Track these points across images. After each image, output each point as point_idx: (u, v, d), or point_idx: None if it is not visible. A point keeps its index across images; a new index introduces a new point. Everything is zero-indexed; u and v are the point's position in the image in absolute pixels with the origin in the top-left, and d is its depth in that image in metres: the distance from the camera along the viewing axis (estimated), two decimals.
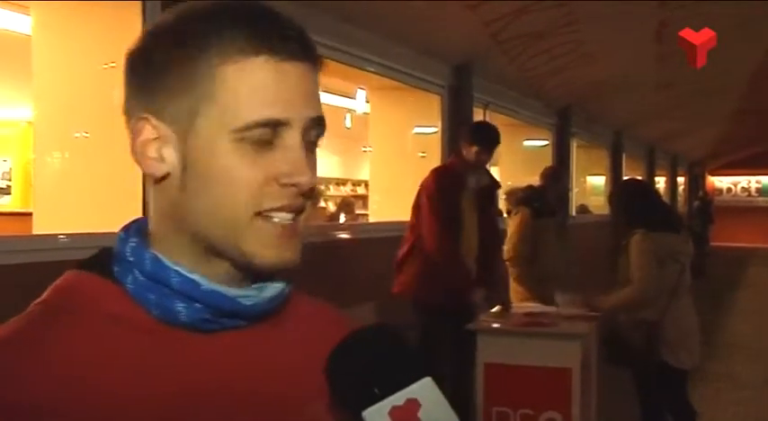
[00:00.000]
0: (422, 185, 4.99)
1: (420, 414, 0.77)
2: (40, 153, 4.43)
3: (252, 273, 0.91)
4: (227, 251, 0.88)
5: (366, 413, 0.77)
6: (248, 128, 0.85)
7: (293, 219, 0.88)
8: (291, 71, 0.87)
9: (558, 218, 6.57)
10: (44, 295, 0.89)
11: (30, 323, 0.85)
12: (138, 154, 0.88)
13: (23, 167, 8.05)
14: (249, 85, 0.86)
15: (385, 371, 0.78)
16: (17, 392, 0.79)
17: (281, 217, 0.87)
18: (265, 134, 0.86)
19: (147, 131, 0.87)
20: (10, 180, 8.31)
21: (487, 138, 5.00)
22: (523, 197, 6.34)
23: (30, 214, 4.62)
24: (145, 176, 0.92)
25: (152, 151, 0.88)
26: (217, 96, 0.86)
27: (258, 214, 0.86)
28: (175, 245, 0.90)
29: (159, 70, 0.87)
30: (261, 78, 0.86)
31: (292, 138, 0.87)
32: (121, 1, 4.02)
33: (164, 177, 0.88)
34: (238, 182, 0.85)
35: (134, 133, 0.88)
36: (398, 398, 0.77)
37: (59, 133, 4.25)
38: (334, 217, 9.51)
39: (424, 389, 0.78)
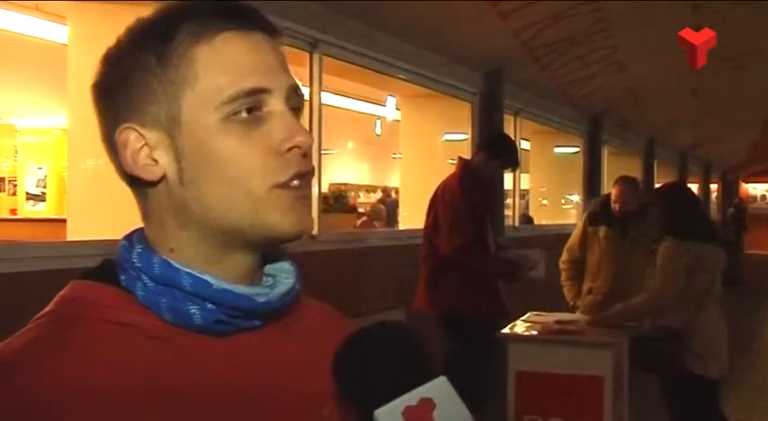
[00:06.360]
0: (448, 196, 4.82)
1: (435, 414, 0.74)
2: (73, 160, 4.48)
3: (262, 264, 0.93)
4: (247, 231, 0.88)
5: (378, 413, 0.73)
6: (231, 100, 0.85)
7: (305, 184, 0.89)
8: (262, 41, 0.89)
9: None
10: (50, 306, 0.87)
11: (41, 335, 0.84)
12: (131, 165, 0.88)
13: (58, 174, 8.14)
14: (224, 58, 0.86)
15: (397, 369, 0.75)
16: (33, 405, 0.77)
17: (295, 184, 0.88)
18: (250, 105, 0.86)
19: (133, 140, 0.88)
20: (45, 187, 8.40)
21: (510, 152, 4.99)
22: None
23: (64, 221, 4.67)
24: (136, 189, 0.92)
25: (143, 158, 0.88)
26: (196, 78, 0.86)
27: (276, 187, 0.87)
28: (183, 248, 0.89)
29: (128, 78, 0.88)
30: (234, 50, 0.87)
31: (277, 105, 0.88)
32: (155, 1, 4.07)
33: (159, 180, 0.88)
34: (242, 160, 0.86)
35: (121, 147, 0.88)
36: (412, 398, 0.74)
37: (93, 140, 4.25)
38: (366, 224, 9.50)
39: (439, 389, 0.75)
